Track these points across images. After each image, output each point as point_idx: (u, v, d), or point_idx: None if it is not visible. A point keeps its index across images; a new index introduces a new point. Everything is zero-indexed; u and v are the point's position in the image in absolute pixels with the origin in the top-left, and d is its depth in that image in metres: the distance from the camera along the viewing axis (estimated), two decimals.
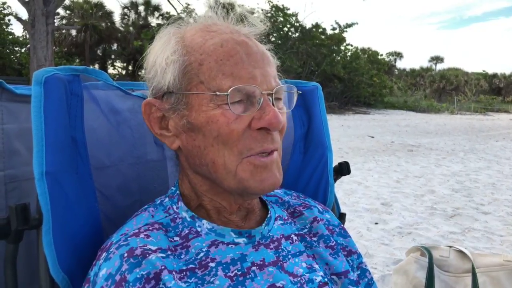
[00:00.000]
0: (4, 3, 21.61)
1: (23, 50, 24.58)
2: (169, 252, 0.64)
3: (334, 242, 0.80)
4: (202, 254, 0.66)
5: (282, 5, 24.06)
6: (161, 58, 0.68)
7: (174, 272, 0.62)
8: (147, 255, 0.61)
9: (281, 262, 0.70)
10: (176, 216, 0.70)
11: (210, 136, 0.65)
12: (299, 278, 0.69)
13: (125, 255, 0.60)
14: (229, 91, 0.63)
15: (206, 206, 0.72)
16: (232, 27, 0.70)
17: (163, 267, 0.61)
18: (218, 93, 0.63)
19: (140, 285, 0.58)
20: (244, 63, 0.65)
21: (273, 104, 0.66)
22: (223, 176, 0.66)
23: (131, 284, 0.58)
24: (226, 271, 0.65)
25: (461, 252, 1.49)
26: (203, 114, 0.65)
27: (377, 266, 3.09)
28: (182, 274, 0.63)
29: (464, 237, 3.85)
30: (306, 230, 0.80)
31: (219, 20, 0.71)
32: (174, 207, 0.72)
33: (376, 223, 4.17)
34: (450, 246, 1.53)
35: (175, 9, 17.60)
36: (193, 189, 0.73)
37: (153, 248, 0.63)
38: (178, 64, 0.66)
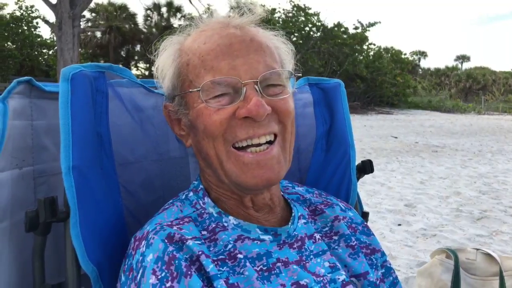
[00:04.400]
0: (32, 6, 22.25)
1: (50, 52, 25.29)
2: (202, 240, 0.66)
3: (355, 242, 0.79)
4: (230, 246, 0.67)
5: (304, 5, 23.92)
6: (162, 65, 0.74)
7: (210, 257, 0.63)
8: (185, 241, 0.63)
9: (304, 262, 0.70)
10: (203, 211, 0.72)
11: (200, 130, 0.68)
12: (321, 278, 0.69)
13: (166, 238, 0.62)
14: (200, 86, 0.65)
15: (221, 199, 0.74)
16: (223, 20, 0.71)
17: (200, 252, 0.63)
18: (193, 90, 0.67)
19: (187, 263, 0.60)
20: (224, 55, 0.66)
21: (261, 92, 0.65)
22: (217, 167, 0.69)
23: (182, 260, 0.60)
24: (252, 265, 0.66)
25: (488, 255, 1.45)
26: (194, 110, 0.68)
27: (400, 268, 3.03)
28: (215, 263, 0.64)
29: (492, 240, 3.73)
30: (327, 229, 0.79)
31: (213, 18, 0.73)
32: (201, 202, 0.73)
33: (399, 225, 4.09)
34: (477, 249, 1.49)
35: (196, 10, 17.71)
36: (207, 183, 0.75)
37: (188, 237, 0.64)
38: (173, 68, 0.71)
